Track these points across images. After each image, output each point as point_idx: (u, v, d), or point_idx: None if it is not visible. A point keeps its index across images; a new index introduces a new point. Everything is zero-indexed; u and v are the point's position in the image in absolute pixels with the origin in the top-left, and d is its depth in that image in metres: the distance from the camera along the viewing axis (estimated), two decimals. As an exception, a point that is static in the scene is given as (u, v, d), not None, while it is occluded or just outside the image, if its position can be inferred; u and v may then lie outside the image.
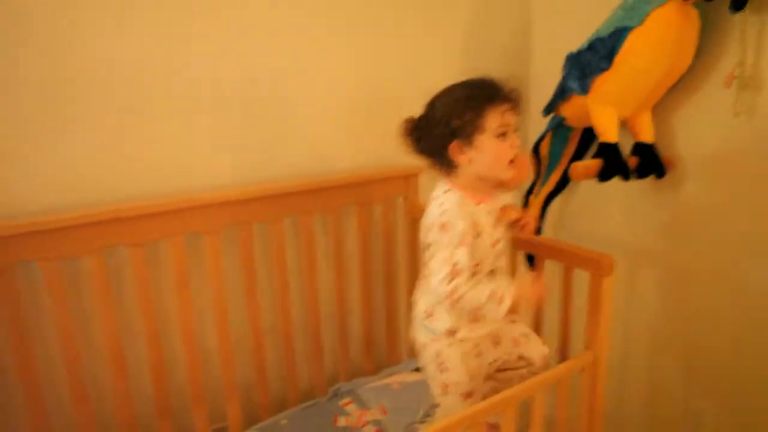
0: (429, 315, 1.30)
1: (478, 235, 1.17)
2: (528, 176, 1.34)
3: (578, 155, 1.87)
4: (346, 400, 1.70)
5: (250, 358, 1.63)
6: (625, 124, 1.63)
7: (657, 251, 1.77)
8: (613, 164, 1.55)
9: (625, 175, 1.57)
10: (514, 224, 1.31)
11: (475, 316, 1.23)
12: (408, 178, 1.78)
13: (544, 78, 1.94)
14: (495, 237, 1.23)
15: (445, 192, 1.20)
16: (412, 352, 1.91)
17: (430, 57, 1.83)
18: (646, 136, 1.61)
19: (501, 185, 1.26)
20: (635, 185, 1.76)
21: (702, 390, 1.71)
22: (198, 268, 1.52)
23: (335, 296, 1.75)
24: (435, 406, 1.61)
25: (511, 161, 1.17)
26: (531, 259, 1.67)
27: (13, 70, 1.24)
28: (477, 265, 1.19)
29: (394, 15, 1.74)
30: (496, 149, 1.15)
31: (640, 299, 1.83)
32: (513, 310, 1.16)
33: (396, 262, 1.87)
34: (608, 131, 1.56)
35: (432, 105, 1.21)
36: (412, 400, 1.68)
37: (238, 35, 1.49)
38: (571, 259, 1.37)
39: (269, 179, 1.60)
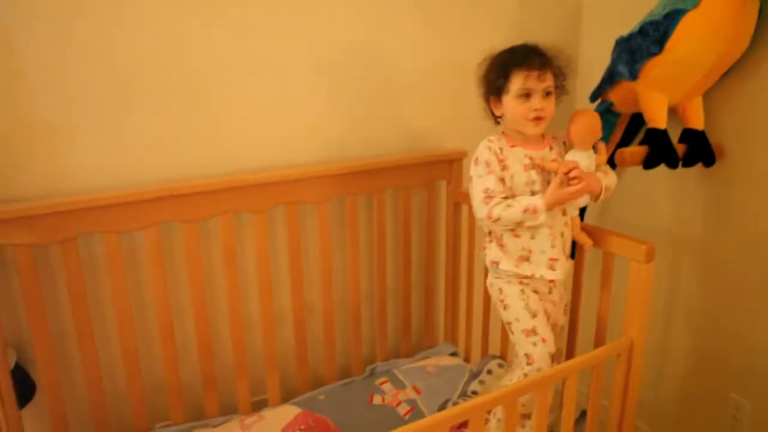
0: (484, 251, 1.46)
1: (503, 168, 1.33)
2: (594, 135, 1.39)
3: (625, 142, 1.83)
4: (382, 379, 1.73)
5: (291, 334, 1.68)
6: (674, 110, 1.59)
7: (701, 241, 1.72)
8: (660, 151, 1.52)
9: (673, 163, 1.54)
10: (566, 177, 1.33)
11: (523, 256, 1.38)
12: (452, 163, 1.78)
13: (592, 63, 1.90)
14: (528, 178, 1.34)
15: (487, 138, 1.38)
16: (449, 336, 1.94)
17: (479, 45, 1.81)
18: (696, 122, 1.57)
19: (573, 144, 1.38)
20: (681, 173, 1.71)
21: (742, 385, 1.67)
22: (246, 245, 1.58)
23: (376, 278, 1.78)
24: (474, 392, 1.64)
25: (536, 119, 1.30)
26: (573, 251, 1.67)
27: (81, 54, 1.31)
28: (510, 197, 1.34)
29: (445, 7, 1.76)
30: (516, 108, 1.30)
31: (683, 289, 1.79)
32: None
33: (437, 246, 1.89)
34: (657, 117, 1.53)
35: (481, 64, 1.37)
36: (446, 383, 1.70)
37: (307, 21, 1.55)
38: (611, 245, 1.36)
39: (315, 162, 1.64)
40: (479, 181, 1.33)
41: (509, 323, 1.40)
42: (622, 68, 1.54)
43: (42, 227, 1.27)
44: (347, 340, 1.80)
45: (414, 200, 1.82)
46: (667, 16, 1.42)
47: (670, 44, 1.42)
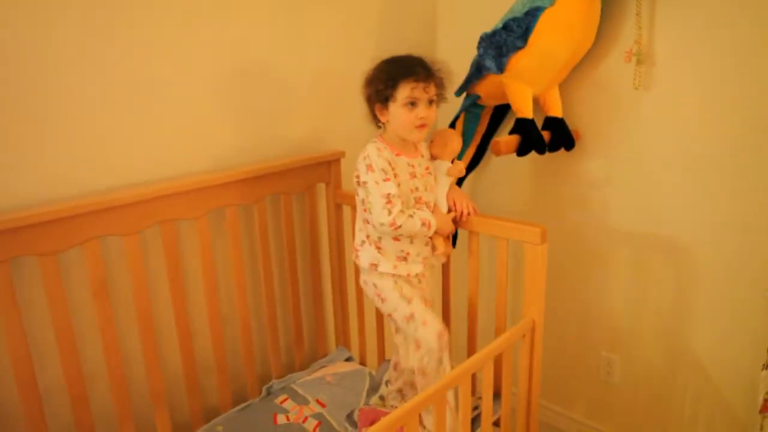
0: (356, 255, 1.48)
1: (394, 176, 1.37)
2: (453, 150, 1.54)
3: (489, 133, 1.93)
4: (282, 397, 1.63)
5: (178, 363, 1.51)
6: (536, 100, 1.70)
7: (561, 220, 1.88)
8: (531, 139, 1.62)
9: (542, 149, 1.64)
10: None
11: (400, 257, 1.44)
12: (330, 164, 1.74)
13: (448, 63, 1.98)
14: (413, 186, 1.42)
15: (370, 143, 1.41)
16: (341, 340, 1.90)
17: (344, 51, 1.80)
18: (556, 110, 1.70)
19: (436, 157, 1.53)
20: (541, 159, 1.85)
21: (611, 344, 1.87)
22: (116, 273, 1.39)
23: (264, 290, 1.67)
24: (378, 394, 1.62)
25: (419, 126, 1.36)
26: (454, 239, 1.73)
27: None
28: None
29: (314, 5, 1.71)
30: (402, 116, 1.35)
31: (554, 268, 1.95)
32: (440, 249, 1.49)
33: (321, 250, 1.83)
34: (524, 108, 1.62)
35: (369, 72, 1.40)
36: (349, 391, 1.66)
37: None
38: (505, 230, 1.41)
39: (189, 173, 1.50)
40: (377, 187, 1.35)
41: (389, 314, 1.46)
42: (490, 62, 1.61)
43: None
44: (239, 359, 1.67)
45: (295, 206, 1.74)
46: (527, 13, 1.51)
47: (532, 38, 1.52)
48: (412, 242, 1.44)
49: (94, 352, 1.37)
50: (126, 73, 1.35)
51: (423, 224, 1.39)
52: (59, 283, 1.26)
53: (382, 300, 1.45)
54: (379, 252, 1.43)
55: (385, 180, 1.35)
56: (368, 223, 1.41)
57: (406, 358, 1.50)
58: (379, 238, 1.43)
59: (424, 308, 1.41)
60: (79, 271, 1.33)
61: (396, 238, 1.42)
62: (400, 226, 1.35)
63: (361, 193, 1.39)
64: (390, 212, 1.34)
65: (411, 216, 1.37)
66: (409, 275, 1.44)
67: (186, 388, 1.53)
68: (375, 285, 1.46)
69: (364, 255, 1.46)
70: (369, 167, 1.36)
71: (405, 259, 1.44)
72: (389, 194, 1.35)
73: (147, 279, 1.41)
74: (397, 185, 1.36)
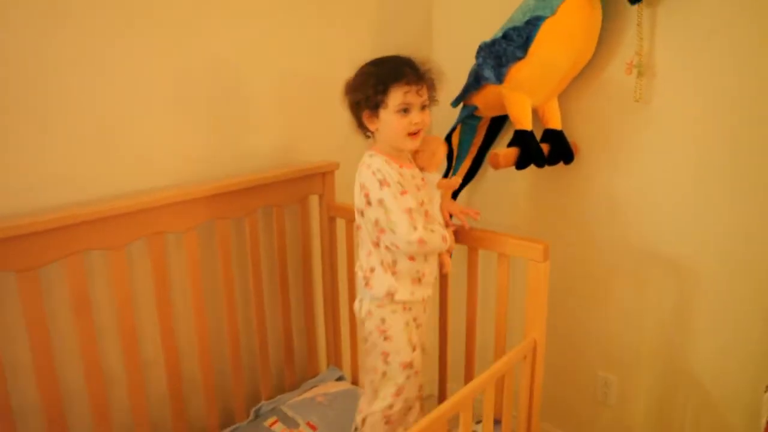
0: (367, 282, 1.34)
1: (406, 191, 1.27)
2: (440, 160, 1.45)
3: (486, 145, 1.89)
4: (271, 419, 1.56)
5: (163, 384, 1.44)
6: (534, 112, 1.66)
7: (560, 235, 1.83)
8: (530, 151, 1.58)
9: (541, 162, 1.60)
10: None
11: (415, 279, 1.33)
12: (324, 176, 1.68)
13: (445, 72, 1.94)
14: (420, 199, 1.32)
15: (371, 156, 1.30)
16: (332, 359, 1.83)
17: (337, 57, 1.74)
18: (555, 123, 1.66)
19: (423, 168, 1.41)
20: (538, 173, 1.81)
21: (608, 364, 1.82)
22: (99, 289, 1.32)
23: (253, 307, 1.61)
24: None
25: (412, 134, 1.27)
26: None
27: None
28: None
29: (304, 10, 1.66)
30: (395, 123, 1.25)
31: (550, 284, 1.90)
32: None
33: (313, 265, 1.76)
34: (523, 119, 1.58)
35: (354, 75, 1.29)
36: (340, 412, 1.59)
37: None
38: (507, 246, 1.37)
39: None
40: (397, 203, 1.23)
41: (386, 353, 1.34)
42: (489, 73, 1.57)
43: None
44: (226, 379, 1.59)
45: (287, 219, 1.68)
46: (528, 23, 1.47)
47: (532, 48, 1.48)
48: (426, 260, 1.34)
49: (74, 372, 1.29)
50: (116, 78, 1.30)
51: (443, 239, 1.31)
52: (39, 300, 1.18)
53: (386, 338, 1.33)
54: (394, 277, 1.31)
55: (402, 193, 1.24)
56: (378, 246, 1.30)
57: (371, 397, 1.40)
58: (394, 261, 1.30)
59: (421, 356, 1.37)
60: (60, 287, 1.25)
61: (412, 258, 1.31)
62: (426, 242, 1.25)
63: (373, 213, 1.26)
64: (416, 228, 1.23)
65: (433, 231, 1.28)
66: (423, 300, 1.36)
67: (171, 409, 1.45)
68: (383, 320, 1.32)
69: (378, 283, 1.31)
70: (382, 182, 1.24)
71: (419, 280, 1.34)
72: (410, 209, 1.24)
73: (132, 295, 1.34)
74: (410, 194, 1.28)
